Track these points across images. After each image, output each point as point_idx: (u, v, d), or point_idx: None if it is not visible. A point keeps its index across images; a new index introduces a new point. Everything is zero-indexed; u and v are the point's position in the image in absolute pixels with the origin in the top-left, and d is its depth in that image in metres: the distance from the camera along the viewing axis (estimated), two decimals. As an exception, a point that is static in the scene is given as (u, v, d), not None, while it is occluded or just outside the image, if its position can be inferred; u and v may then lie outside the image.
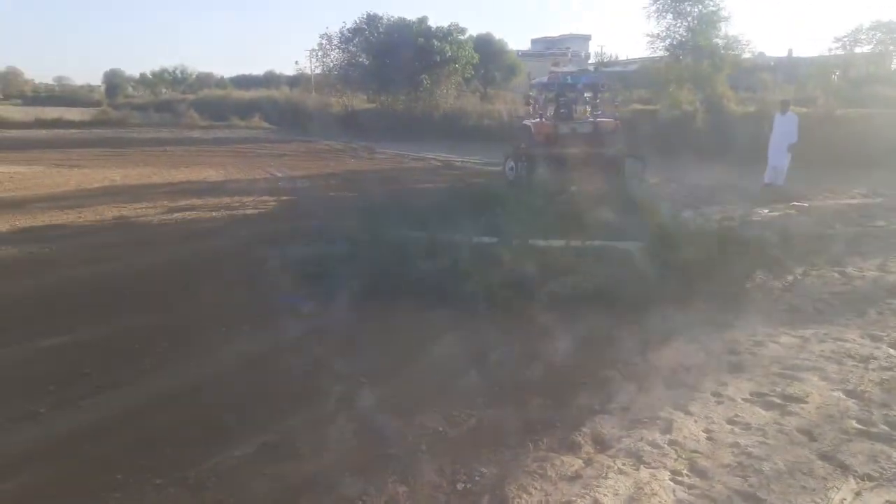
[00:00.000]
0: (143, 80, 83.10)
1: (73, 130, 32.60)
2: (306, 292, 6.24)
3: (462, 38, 31.49)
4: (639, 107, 24.35)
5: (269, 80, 69.63)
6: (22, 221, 9.90)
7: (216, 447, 3.64)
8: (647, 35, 23.87)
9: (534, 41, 70.81)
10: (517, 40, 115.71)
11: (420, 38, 29.81)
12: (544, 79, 15.11)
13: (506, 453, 3.57)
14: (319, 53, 34.18)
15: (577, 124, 14.27)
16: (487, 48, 39.78)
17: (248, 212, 11.25)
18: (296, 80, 50.40)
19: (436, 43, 29.62)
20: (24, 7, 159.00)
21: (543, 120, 14.34)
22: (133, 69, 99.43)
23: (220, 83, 73.52)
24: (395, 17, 31.78)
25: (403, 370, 4.71)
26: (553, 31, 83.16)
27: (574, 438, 3.69)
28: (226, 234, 9.53)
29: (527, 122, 14.96)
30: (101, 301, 6.27)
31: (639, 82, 28.18)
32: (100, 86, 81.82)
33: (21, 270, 7.23)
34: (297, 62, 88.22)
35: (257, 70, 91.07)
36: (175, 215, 10.77)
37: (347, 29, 32.06)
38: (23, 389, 4.34)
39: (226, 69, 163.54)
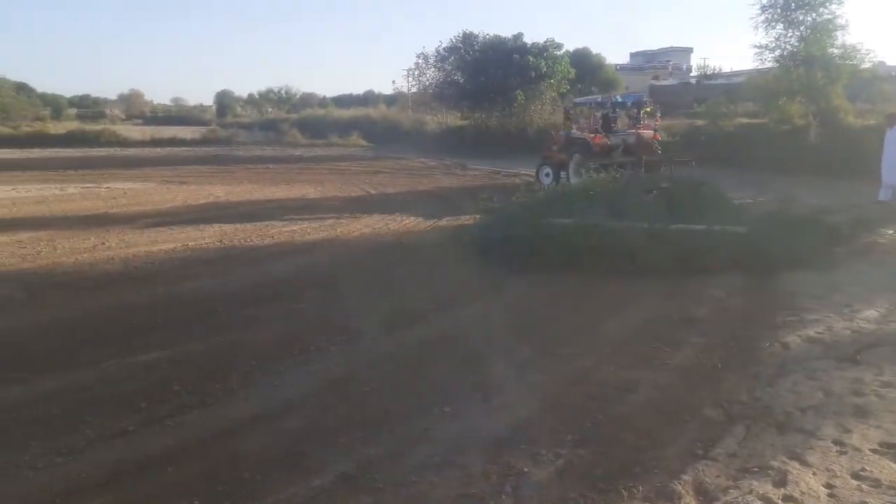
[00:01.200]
0: (250, 100, 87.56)
1: (185, 149, 34.57)
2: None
3: (558, 53, 31.05)
4: (745, 121, 23.09)
5: (368, 98, 71.57)
6: (130, 236, 10.41)
7: (296, 475, 3.53)
8: (755, 46, 22.59)
9: (633, 55, 69.18)
10: (615, 54, 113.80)
11: (515, 55, 29.64)
12: (592, 98, 18.46)
13: (596, 499, 3.25)
14: (416, 72, 34.70)
15: (624, 135, 16.45)
16: (585, 63, 39.09)
17: (344, 229, 11.38)
18: (393, 99, 51.43)
19: (531, 59, 29.33)
20: (145, 32, 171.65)
21: (595, 132, 16.38)
22: (242, 90, 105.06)
23: (322, 102, 76.14)
24: (491, 34, 31.84)
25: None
26: (653, 45, 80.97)
27: (673, 487, 3.32)
28: (320, 249, 9.64)
29: (583, 134, 16.68)
30: (196, 317, 6.39)
31: (746, 95, 26.76)
32: (211, 106, 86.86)
33: (125, 285, 7.52)
34: (394, 81, 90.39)
35: (357, 89, 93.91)
36: (272, 231, 11.03)
37: (443, 48, 32.37)
38: (116, 406, 4.40)
39: (328, 89, 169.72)
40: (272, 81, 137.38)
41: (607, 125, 16.68)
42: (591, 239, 8.07)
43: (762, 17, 21.24)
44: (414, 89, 35.58)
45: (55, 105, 72.95)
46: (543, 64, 29.46)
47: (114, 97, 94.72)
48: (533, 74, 29.41)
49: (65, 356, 5.28)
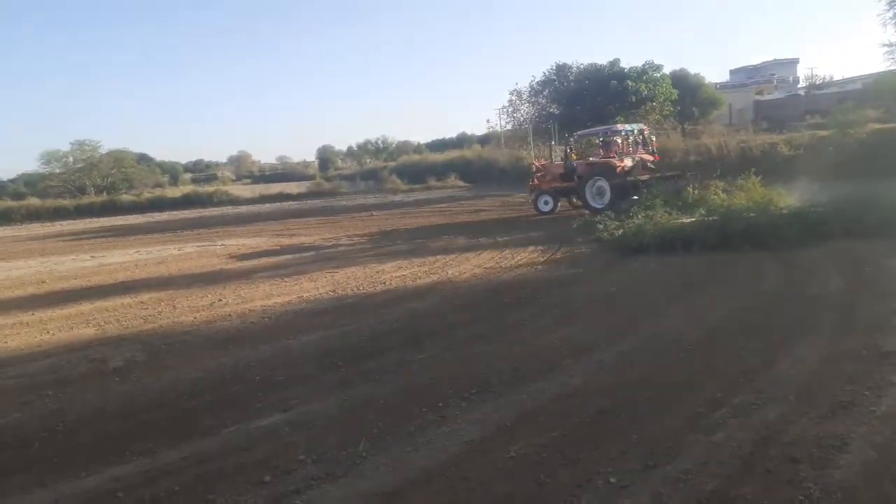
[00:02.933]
0: (349, 153, 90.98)
1: (292, 203, 35.79)
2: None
3: (657, 75, 29.92)
4: (878, 126, 21.09)
5: (462, 141, 72.46)
6: (246, 291, 10.40)
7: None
8: (885, 45, 20.72)
9: (733, 72, 66.46)
10: (713, 73, 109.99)
11: (613, 81, 28.80)
12: (594, 129, 20.78)
13: None
14: (509, 109, 34.49)
15: (631, 159, 18.13)
16: (683, 84, 37.59)
17: (455, 270, 10.95)
18: (486, 139, 51.56)
19: (630, 83, 28.40)
20: (251, 98, 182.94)
21: (613, 158, 17.93)
22: (342, 143, 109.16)
23: (418, 149, 77.79)
24: (585, 63, 31.21)
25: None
26: (753, 60, 77.34)
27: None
28: (433, 294, 9.20)
29: (607, 159, 18.02)
30: (316, 372, 6.02)
31: (871, 99, 24.64)
32: (314, 161, 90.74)
33: (243, 342, 7.32)
34: (488, 120, 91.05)
35: (450, 133, 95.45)
36: (384, 277, 10.74)
37: (537, 82, 32.03)
38: (240, 480, 4.02)
39: (422, 135, 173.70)
40: (369, 133, 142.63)
41: (607, 151, 18.55)
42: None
43: (891, 13, 19.50)
44: (508, 126, 35.26)
45: (172, 171, 78.68)
46: (643, 87, 28.43)
47: (224, 160, 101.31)
48: (633, 99, 28.45)
49: (186, 423, 5.01)
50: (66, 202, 38.78)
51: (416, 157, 57.46)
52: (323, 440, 4.51)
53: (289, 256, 14.41)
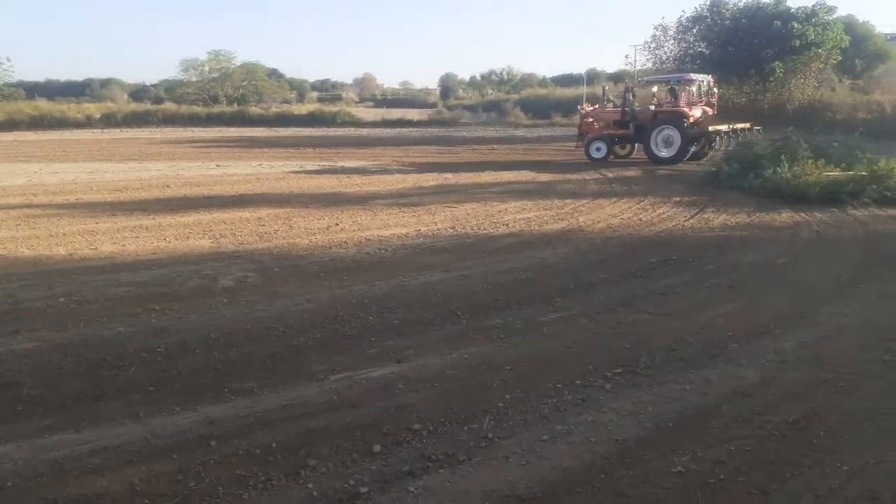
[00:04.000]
0: (472, 83, 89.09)
1: (412, 129, 35.31)
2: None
3: (829, 18, 26.32)
4: None
5: (590, 77, 68.98)
6: (363, 217, 9.91)
7: None
8: None
9: (911, 20, 58.59)
10: (886, 22, 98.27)
11: (776, 22, 25.60)
12: (661, 76, 20.83)
13: None
14: (651, 45, 31.68)
15: (701, 109, 17.68)
16: (849, 33, 33.34)
17: (587, 218, 9.95)
18: (618, 77, 48.44)
19: (796, 26, 25.13)
20: (379, 22, 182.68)
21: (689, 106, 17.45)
22: (464, 73, 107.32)
23: (543, 82, 74.99)
24: (745, 0, 27.97)
25: None
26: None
27: None
28: (562, 243, 8.29)
29: (677, 107, 17.47)
30: (434, 321, 5.35)
31: None
32: (435, 89, 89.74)
33: (358, 273, 6.79)
34: (626, 56, 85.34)
35: (577, 69, 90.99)
36: (506, 218, 9.91)
37: (686, 18, 29.17)
38: (346, 444, 3.43)
39: (548, 69, 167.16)
40: (493, 63, 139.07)
41: (676, 100, 17.80)
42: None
43: None
44: (648, 64, 32.56)
45: (300, 89, 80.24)
46: (811, 31, 25.13)
47: (349, 81, 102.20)
48: (796, 43, 25.22)
49: (292, 363, 4.50)
50: (199, 109, 40.28)
51: (541, 91, 55.28)
52: (441, 406, 3.85)
53: (409, 185, 13.83)
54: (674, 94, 18.17)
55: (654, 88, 18.91)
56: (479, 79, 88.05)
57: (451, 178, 15.08)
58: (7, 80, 41.21)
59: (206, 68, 47.86)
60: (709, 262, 7.32)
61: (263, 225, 9.32)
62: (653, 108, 17.77)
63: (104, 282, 6.39)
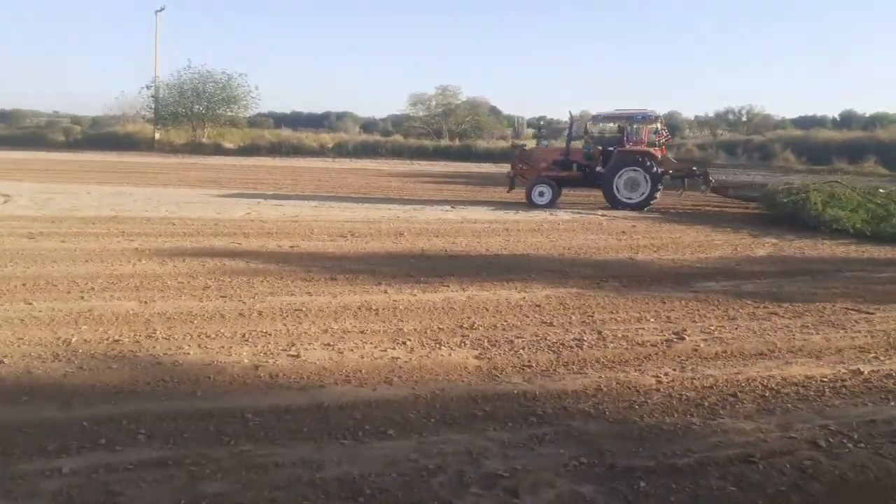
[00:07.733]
0: (697, 121, 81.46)
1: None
2: None
3: None
4: None
5: (844, 121, 59.19)
6: (715, 320, 5.98)
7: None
8: None
9: None
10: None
11: None
12: (631, 111, 16.65)
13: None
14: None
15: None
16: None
17: None
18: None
19: None
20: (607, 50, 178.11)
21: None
22: (687, 111, 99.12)
23: (781, 124, 66.11)
24: None
25: None
26: None
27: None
28: None
29: (644, 148, 15.77)
30: None
31: None
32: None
33: None
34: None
35: (821, 111, 78.93)
36: None
37: None
38: None
39: (780, 109, 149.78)
40: (720, 102, 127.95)
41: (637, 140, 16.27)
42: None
43: None
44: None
45: (515, 125, 78.95)
46: None
47: (565, 117, 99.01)
48: None
49: None
50: (427, 142, 40.06)
51: (796, 133, 47.59)
52: None
53: (730, 254, 9.62)
54: (635, 132, 16.21)
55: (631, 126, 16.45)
56: (710, 116, 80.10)
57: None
58: (254, 108, 43.80)
59: (433, 103, 48.26)
60: None
61: (547, 320, 5.76)
62: (623, 147, 15.69)
63: (294, 463, 3.14)
